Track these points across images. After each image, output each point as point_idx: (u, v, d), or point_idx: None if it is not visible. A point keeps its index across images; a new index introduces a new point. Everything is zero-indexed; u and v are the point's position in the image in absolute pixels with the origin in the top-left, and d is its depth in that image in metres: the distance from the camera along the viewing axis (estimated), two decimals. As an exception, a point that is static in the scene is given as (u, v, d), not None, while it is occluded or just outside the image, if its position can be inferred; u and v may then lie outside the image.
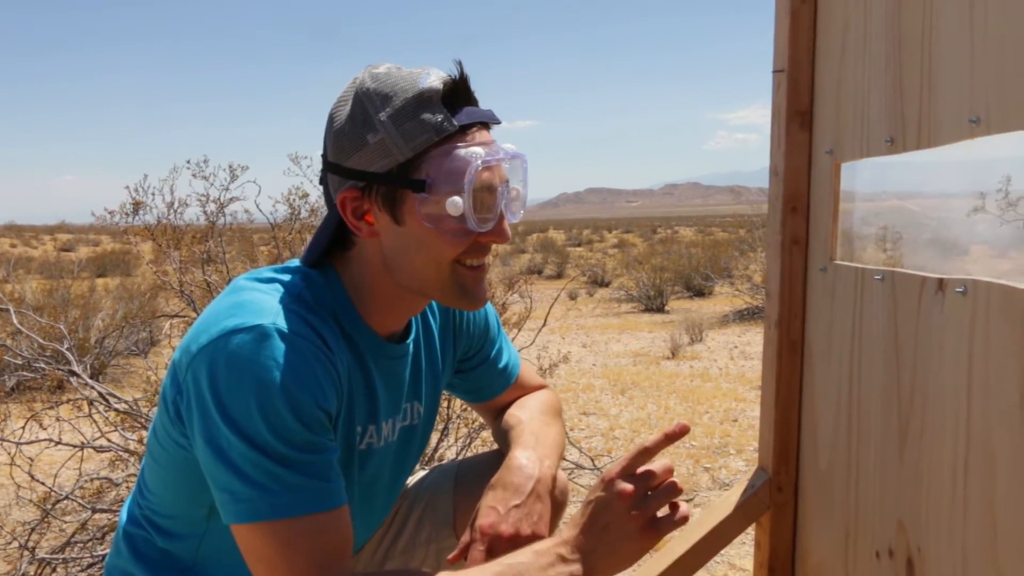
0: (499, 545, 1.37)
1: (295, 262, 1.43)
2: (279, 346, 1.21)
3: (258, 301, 1.27)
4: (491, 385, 1.73)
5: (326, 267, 1.41)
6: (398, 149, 1.29)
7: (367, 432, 1.45)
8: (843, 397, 1.57)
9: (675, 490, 1.30)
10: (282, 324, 1.23)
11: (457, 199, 1.28)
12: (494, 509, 1.42)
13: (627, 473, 1.30)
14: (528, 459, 1.50)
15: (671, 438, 1.30)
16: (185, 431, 1.28)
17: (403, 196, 1.30)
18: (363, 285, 1.39)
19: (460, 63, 1.32)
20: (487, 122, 1.36)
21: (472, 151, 1.30)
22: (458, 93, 1.32)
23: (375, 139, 1.29)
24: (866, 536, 1.50)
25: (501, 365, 1.73)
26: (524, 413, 1.69)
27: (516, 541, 1.38)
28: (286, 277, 1.36)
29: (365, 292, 1.40)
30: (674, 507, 1.32)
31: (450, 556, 1.42)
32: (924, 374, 1.29)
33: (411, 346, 1.52)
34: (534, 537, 1.40)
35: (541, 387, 1.83)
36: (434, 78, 1.31)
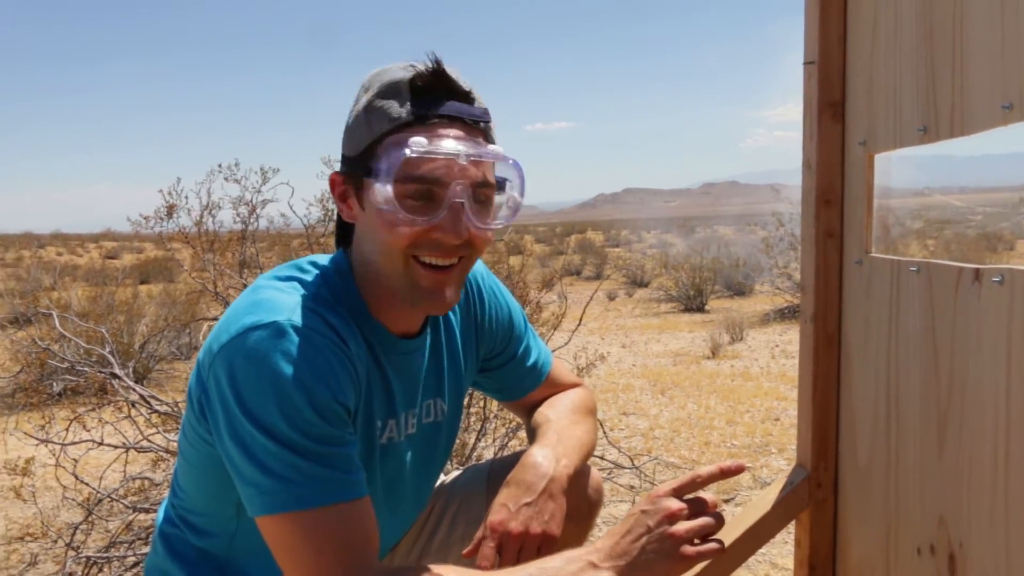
0: (509, 542, 1.38)
1: (317, 257, 1.46)
2: (295, 341, 1.23)
3: (275, 299, 1.30)
4: (520, 383, 1.73)
5: (347, 251, 1.45)
6: (362, 135, 1.33)
7: (387, 427, 1.46)
8: (881, 391, 1.54)
9: (718, 522, 1.32)
10: (297, 320, 1.26)
11: (384, 186, 1.29)
12: (505, 506, 1.43)
13: (675, 496, 1.32)
14: (544, 457, 1.50)
15: (726, 473, 1.33)
16: (210, 428, 1.30)
17: (363, 182, 1.34)
18: (365, 273, 1.41)
19: (434, 54, 1.32)
20: (461, 117, 1.33)
21: (415, 140, 1.28)
22: (432, 87, 1.32)
23: (354, 125, 1.35)
24: (907, 532, 1.48)
25: (530, 363, 1.72)
26: (552, 412, 1.68)
27: (525, 539, 1.39)
28: (304, 274, 1.39)
29: (368, 283, 1.41)
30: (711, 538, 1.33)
31: (464, 551, 1.43)
32: (962, 366, 1.27)
33: (427, 341, 1.52)
34: (544, 536, 1.40)
35: (575, 385, 1.81)
36: (409, 69, 1.32)
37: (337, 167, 1.43)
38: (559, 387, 1.78)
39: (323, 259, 1.45)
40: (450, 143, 1.30)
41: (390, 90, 1.31)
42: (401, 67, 1.34)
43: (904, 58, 1.41)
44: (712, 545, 1.31)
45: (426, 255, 1.34)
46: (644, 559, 1.26)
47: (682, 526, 1.29)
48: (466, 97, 1.35)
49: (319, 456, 1.22)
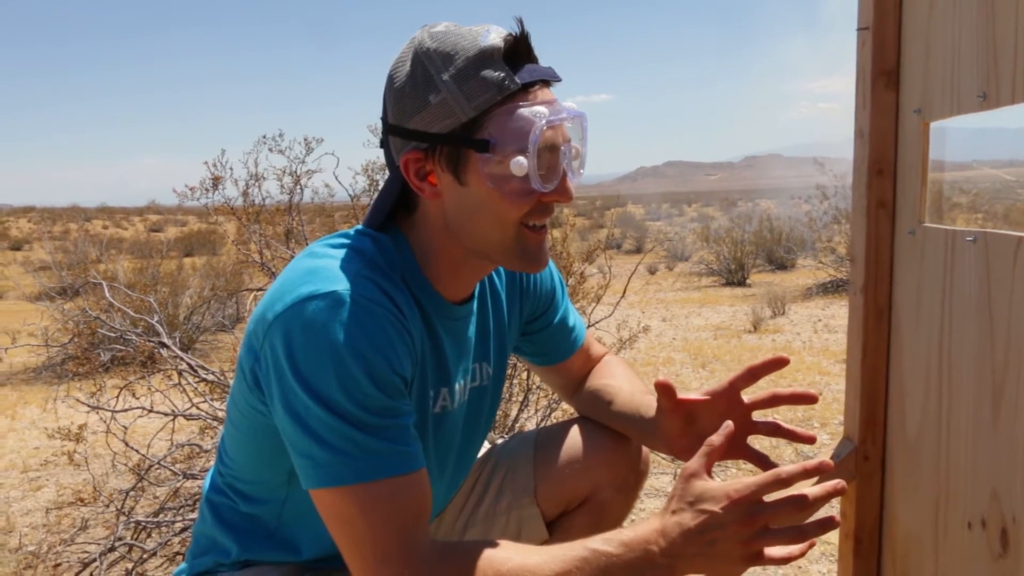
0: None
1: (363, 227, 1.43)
2: (354, 312, 1.21)
3: (332, 267, 1.28)
4: (559, 347, 1.74)
5: (393, 230, 1.40)
6: (460, 109, 1.27)
7: (439, 395, 1.45)
8: (932, 363, 1.52)
9: (799, 536, 1.22)
10: (357, 290, 1.24)
11: (521, 159, 1.26)
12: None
13: (755, 498, 1.21)
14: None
15: (809, 473, 1.21)
16: (263, 398, 1.29)
17: (466, 156, 1.29)
18: (429, 248, 1.39)
19: (520, 20, 1.30)
20: (548, 80, 1.33)
21: (536, 110, 1.27)
22: (519, 51, 1.30)
23: (437, 99, 1.27)
24: (957, 506, 1.46)
25: (569, 326, 1.73)
26: (626, 385, 1.71)
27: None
28: (358, 242, 1.36)
29: (432, 255, 1.39)
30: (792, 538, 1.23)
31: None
32: (1019, 337, 1.24)
33: (476, 304, 1.52)
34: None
35: (605, 354, 1.84)
36: (494, 35, 1.29)
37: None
38: (593, 354, 1.80)
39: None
40: (558, 107, 1.30)
41: (483, 58, 1.27)
42: (477, 30, 1.30)
43: (963, 22, 1.38)
44: (790, 550, 1.24)
45: (535, 218, 1.35)
46: (708, 560, 1.21)
47: (757, 537, 1.20)
48: (536, 57, 1.33)
49: (376, 428, 1.20)
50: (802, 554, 1.25)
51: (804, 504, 1.20)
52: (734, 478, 1.28)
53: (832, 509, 3.02)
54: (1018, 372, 1.25)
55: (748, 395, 1.59)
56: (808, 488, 1.22)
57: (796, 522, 1.23)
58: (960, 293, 1.42)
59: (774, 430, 1.57)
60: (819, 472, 1.22)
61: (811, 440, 1.51)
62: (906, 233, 1.60)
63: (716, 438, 1.28)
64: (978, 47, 1.33)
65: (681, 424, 1.59)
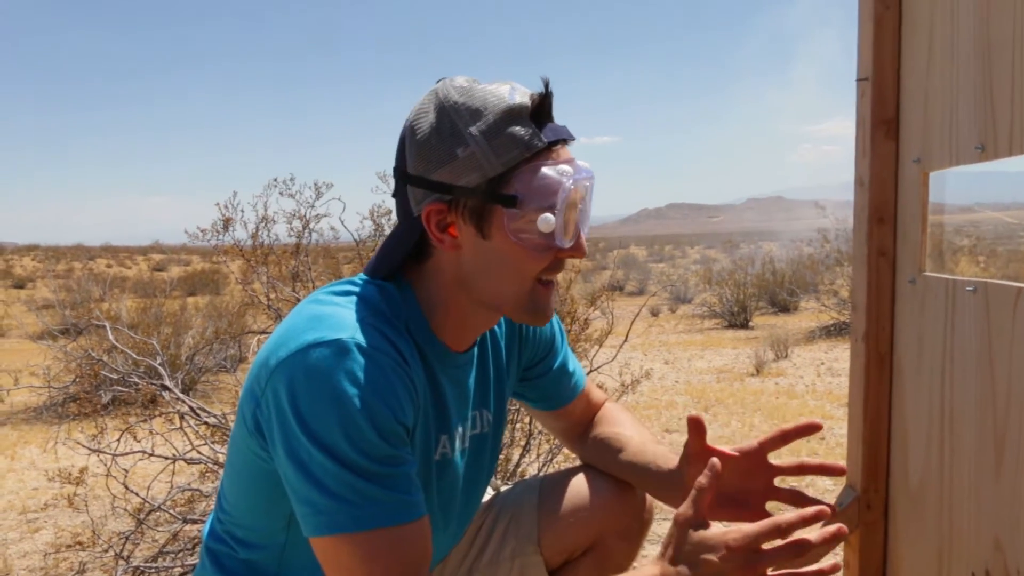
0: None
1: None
2: (359, 360, 1.22)
3: (337, 315, 1.28)
4: (561, 393, 1.74)
5: (399, 280, 1.41)
6: (488, 163, 1.28)
7: (440, 442, 1.45)
8: (935, 411, 1.52)
9: (797, 551, 1.22)
10: (361, 338, 1.24)
11: (549, 216, 1.28)
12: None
13: (754, 547, 1.21)
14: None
15: (808, 521, 1.21)
16: (264, 443, 1.29)
17: (491, 210, 1.31)
18: (437, 299, 1.40)
19: (547, 81, 1.32)
20: (567, 139, 1.36)
21: (561, 168, 1.30)
22: (544, 110, 1.32)
23: (465, 152, 1.29)
24: (961, 556, 1.45)
25: (569, 371, 1.74)
26: (636, 435, 1.72)
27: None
28: (364, 290, 1.37)
29: (439, 307, 1.40)
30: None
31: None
32: (1020, 386, 1.24)
33: (476, 352, 1.53)
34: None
35: (606, 400, 1.85)
36: (520, 94, 1.32)
37: (392, 183, 1.41)
38: (593, 400, 1.80)
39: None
40: (578, 167, 1.33)
41: (511, 115, 1.29)
42: (502, 87, 1.33)
43: (961, 74, 1.39)
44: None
45: (550, 274, 1.38)
46: None
47: (755, 561, 1.20)
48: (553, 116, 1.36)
49: (379, 477, 1.21)
50: None
51: (804, 549, 1.20)
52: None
53: (836, 557, 3.00)
54: (1020, 422, 1.25)
55: (774, 458, 1.58)
56: (809, 532, 1.22)
57: (795, 567, 1.23)
58: (961, 342, 1.42)
59: (798, 469, 1.54)
60: (818, 519, 1.22)
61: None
62: (907, 282, 1.61)
63: (703, 479, 1.28)
64: (975, 99, 1.35)
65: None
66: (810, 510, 1.21)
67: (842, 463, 1.42)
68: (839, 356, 9.22)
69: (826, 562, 1.24)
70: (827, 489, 4.25)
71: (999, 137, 1.28)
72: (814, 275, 14.63)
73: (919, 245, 1.57)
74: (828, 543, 1.21)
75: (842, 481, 1.81)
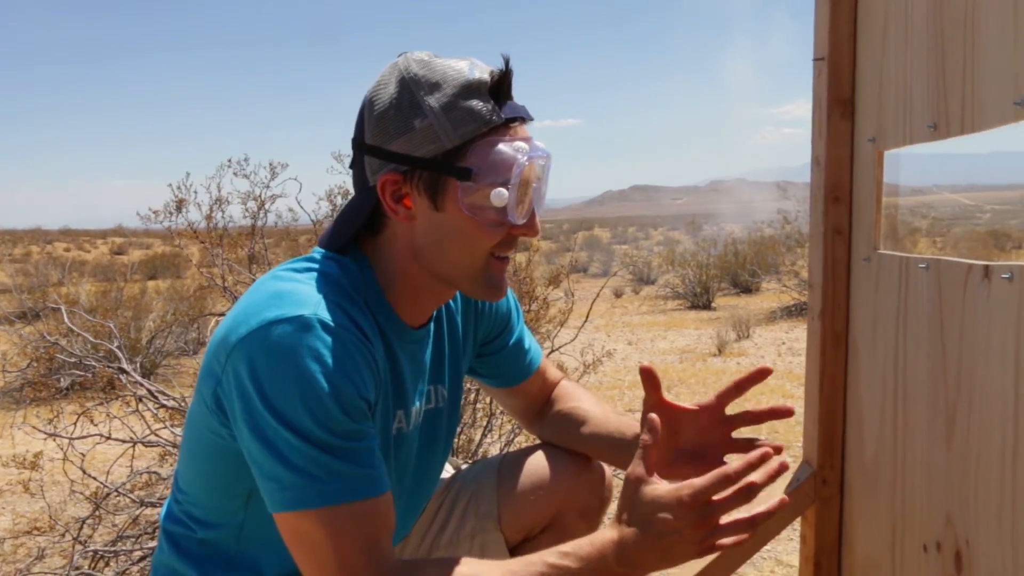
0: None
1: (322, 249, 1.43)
2: (322, 337, 1.22)
3: (298, 291, 1.28)
4: (516, 369, 1.74)
5: (356, 253, 1.41)
6: (446, 135, 1.29)
7: (396, 417, 1.46)
8: (888, 388, 1.54)
9: (749, 526, 1.24)
10: (324, 315, 1.24)
11: (503, 190, 1.30)
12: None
13: (706, 499, 1.22)
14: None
15: (754, 466, 1.22)
16: (225, 421, 1.29)
17: (446, 183, 1.31)
18: (393, 272, 1.40)
19: (507, 58, 1.33)
20: (525, 118, 1.37)
21: (517, 145, 1.32)
22: (503, 87, 1.33)
23: (423, 124, 1.30)
24: (913, 529, 1.47)
25: (525, 348, 1.74)
26: (596, 408, 1.73)
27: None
28: (323, 266, 1.36)
29: (395, 280, 1.41)
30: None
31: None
32: (971, 362, 1.27)
33: (432, 328, 1.53)
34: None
35: (562, 379, 1.86)
36: (480, 70, 1.32)
37: (348, 163, 1.41)
38: (550, 378, 1.81)
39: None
40: (535, 145, 1.34)
41: (470, 90, 1.30)
42: (461, 62, 1.33)
43: (915, 54, 1.41)
44: (741, 536, 1.25)
45: (503, 250, 1.39)
46: (664, 553, 1.23)
47: (707, 514, 1.22)
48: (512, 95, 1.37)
49: (344, 452, 1.21)
50: (751, 536, 1.27)
51: (752, 493, 1.22)
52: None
53: (794, 533, 3.04)
54: (970, 397, 1.27)
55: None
56: (754, 475, 1.23)
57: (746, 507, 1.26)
58: (914, 319, 1.44)
59: (751, 419, 1.55)
60: (763, 461, 1.24)
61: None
62: (861, 260, 1.63)
63: (646, 435, 1.29)
64: (929, 79, 1.36)
65: (664, 437, 1.58)
66: (755, 454, 1.23)
67: (791, 404, 1.44)
68: (800, 336, 9.32)
69: (773, 502, 1.25)
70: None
71: (951, 116, 1.30)
72: (775, 256, 14.76)
73: (874, 224, 1.59)
74: (772, 479, 1.23)
75: (800, 455, 1.83)
